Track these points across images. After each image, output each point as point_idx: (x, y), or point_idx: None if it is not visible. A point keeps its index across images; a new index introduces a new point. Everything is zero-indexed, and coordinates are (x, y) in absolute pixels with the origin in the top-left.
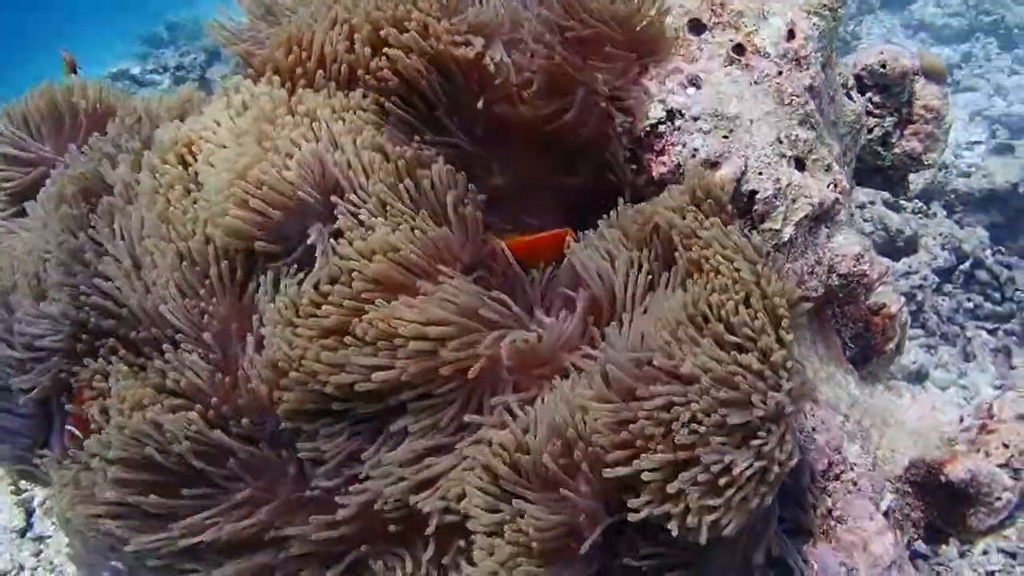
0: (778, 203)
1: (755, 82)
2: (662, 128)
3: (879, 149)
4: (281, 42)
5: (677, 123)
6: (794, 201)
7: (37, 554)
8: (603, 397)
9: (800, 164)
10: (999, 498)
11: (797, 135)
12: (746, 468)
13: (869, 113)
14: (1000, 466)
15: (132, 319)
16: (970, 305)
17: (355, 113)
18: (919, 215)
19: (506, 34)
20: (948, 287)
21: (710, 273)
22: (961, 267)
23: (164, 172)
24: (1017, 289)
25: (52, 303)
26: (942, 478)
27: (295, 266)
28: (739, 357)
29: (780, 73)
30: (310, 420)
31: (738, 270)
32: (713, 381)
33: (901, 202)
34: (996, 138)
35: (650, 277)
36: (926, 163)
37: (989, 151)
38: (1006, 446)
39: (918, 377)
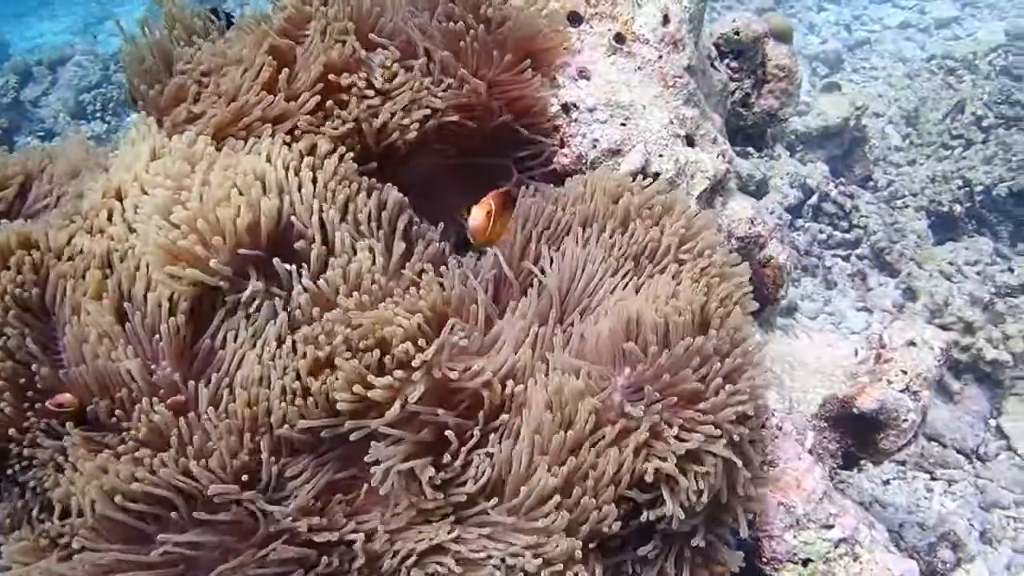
0: (680, 181)
1: (639, 68)
2: (559, 122)
3: (741, 110)
4: (221, 98)
5: (573, 115)
6: (692, 177)
7: None
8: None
9: (691, 141)
10: (905, 420)
11: (684, 114)
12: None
13: (729, 78)
14: (901, 391)
15: (86, 387)
16: (823, 236)
17: (300, 153)
18: (765, 158)
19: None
20: (800, 222)
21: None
22: (809, 202)
23: (102, 229)
24: (862, 216)
25: None
26: (854, 410)
27: (262, 302)
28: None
29: (660, 57)
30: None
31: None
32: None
33: (747, 148)
34: (817, 75)
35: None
36: (783, 118)
37: (819, 90)
38: (904, 372)
39: (788, 311)
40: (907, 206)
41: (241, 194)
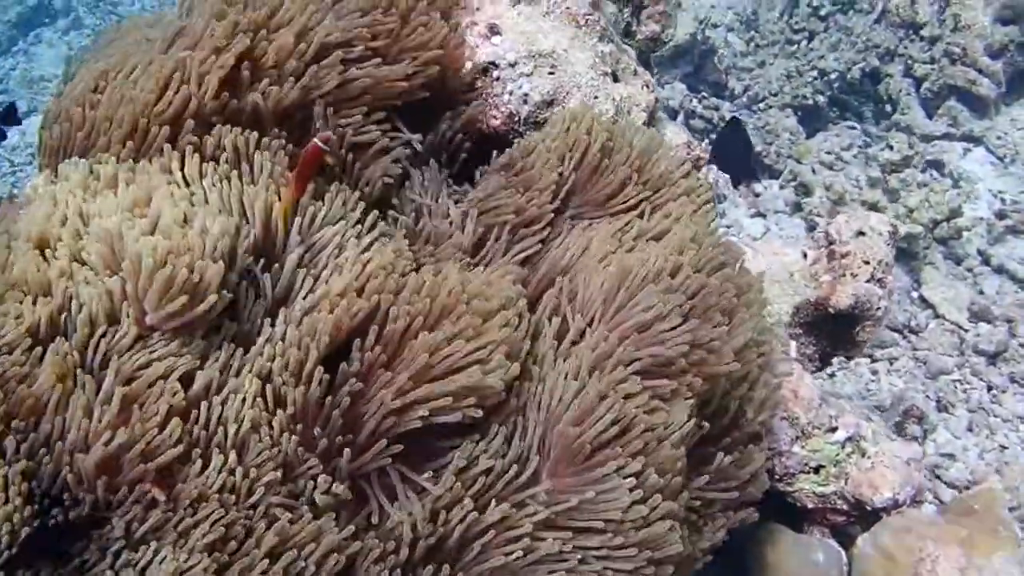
0: (619, 119)
1: (547, 12)
2: (480, 84)
3: (626, 41)
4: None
5: (495, 74)
6: (629, 113)
7: None
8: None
9: (615, 77)
10: (879, 308)
11: (603, 51)
12: None
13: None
14: (868, 281)
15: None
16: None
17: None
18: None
19: None
20: None
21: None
22: (677, 122)
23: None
24: None
25: None
26: (830, 310)
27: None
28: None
29: None
30: None
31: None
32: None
33: None
34: None
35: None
36: (665, 40)
37: None
38: (867, 262)
39: None
40: (770, 107)
41: (187, 221)
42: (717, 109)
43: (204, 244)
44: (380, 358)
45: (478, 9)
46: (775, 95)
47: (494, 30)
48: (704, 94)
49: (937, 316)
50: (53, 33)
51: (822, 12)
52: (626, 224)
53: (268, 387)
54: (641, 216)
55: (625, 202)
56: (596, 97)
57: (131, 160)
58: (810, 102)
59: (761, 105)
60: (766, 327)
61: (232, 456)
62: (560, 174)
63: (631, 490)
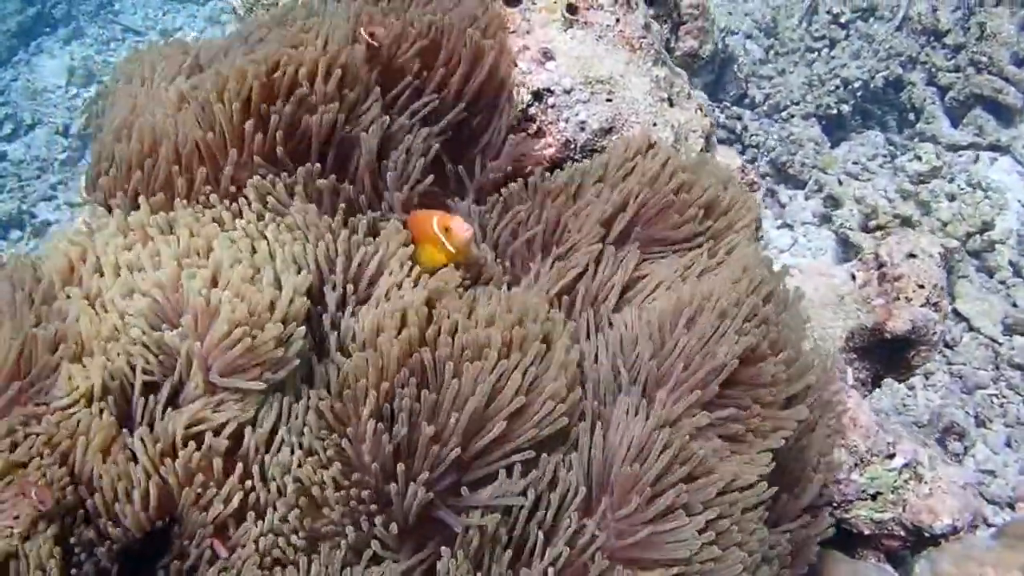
0: (679, 146)
1: (600, 36)
2: (533, 111)
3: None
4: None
5: (550, 101)
6: (687, 138)
7: None
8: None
9: (670, 101)
10: (934, 333)
11: (659, 76)
12: None
13: None
14: (923, 305)
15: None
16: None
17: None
18: None
19: None
20: None
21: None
22: None
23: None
24: (752, 135)
25: None
26: (887, 335)
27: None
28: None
29: (618, 21)
30: None
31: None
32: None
33: None
34: None
35: None
36: (703, 56)
37: None
38: (921, 286)
39: None
40: (792, 116)
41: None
42: (739, 119)
43: (277, 306)
44: (429, 400)
45: (528, 32)
46: (797, 104)
47: (548, 55)
48: (726, 104)
49: (971, 329)
50: (54, 43)
51: (843, 19)
52: (690, 257)
53: (318, 443)
54: (702, 247)
55: (691, 236)
56: (655, 124)
57: (176, 202)
58: (834, 111)
59: (783, 114)
60: (821, 353)
61: (281, 512)
62: (613, 204)
63: (700, 532)
